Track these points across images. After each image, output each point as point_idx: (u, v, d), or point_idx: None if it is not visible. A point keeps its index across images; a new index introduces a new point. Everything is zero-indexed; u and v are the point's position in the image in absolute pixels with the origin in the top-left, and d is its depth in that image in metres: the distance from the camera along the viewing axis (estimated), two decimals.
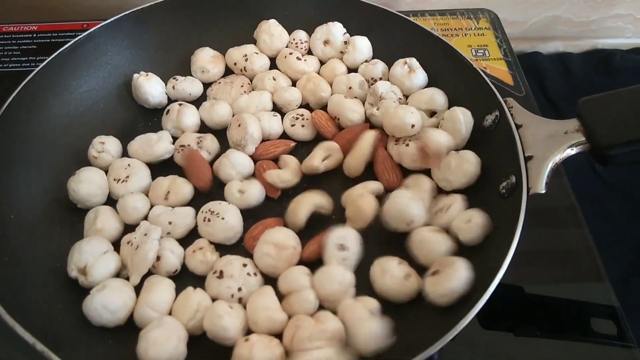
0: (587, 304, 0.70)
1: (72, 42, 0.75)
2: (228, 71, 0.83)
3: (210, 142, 0.73)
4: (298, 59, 0.81)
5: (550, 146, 0.62)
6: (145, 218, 0.67)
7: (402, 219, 0.63)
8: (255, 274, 0.61)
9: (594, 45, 1.14)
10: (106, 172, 0.71)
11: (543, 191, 0.60)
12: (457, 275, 0.56)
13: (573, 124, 0.63)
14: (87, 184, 0.67)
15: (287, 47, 0.84)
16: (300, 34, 0.84)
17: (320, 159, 0.70)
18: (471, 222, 0.61)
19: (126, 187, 0.69)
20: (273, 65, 0.83)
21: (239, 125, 0.71)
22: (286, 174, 0.69)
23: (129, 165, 0.70)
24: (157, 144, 0.71)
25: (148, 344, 0.53)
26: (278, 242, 0.62)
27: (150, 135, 0.73)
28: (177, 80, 0.79)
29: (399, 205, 0.62)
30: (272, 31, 0.82)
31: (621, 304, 0.69)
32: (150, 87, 0.76)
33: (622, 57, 1.10)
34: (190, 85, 0.79)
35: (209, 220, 0.65)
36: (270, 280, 0.62)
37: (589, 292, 0.71)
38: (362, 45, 0.81)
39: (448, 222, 0.64)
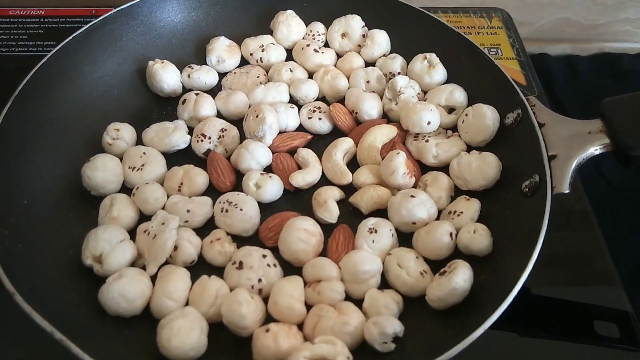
0: (592, 306, 0.70)
1: (86, 26, 0.74)
2: (243, 61, 0.82)
3: (231, 141, 0.71)
4: (315, 51, 0.80)
5: (573, 146, 0.62)
6: (163, 207, 0.65)
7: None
8: (275, 265, 0.60)
9: (601, 49, 1.14)
10: (120, 159, 0.69)
11: (567, 190, 0.60)
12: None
13: (596, 124, 0.63)
14: (102, 171, 0.65)
15: (304, 38, 0.83)
16: (318, 26, 0.83)
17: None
18: (476, 233, 0.61)
19: (141, 175, 0.67)
20: (289, 57, 0.82)
21: (257, 116, 0.70)
22: (310, 175, 0.69)
23: (144, 153, 0.69)
24: (173, 133, 0.70)
25: (172, 333, 0.52)
26: (307, 228, 0.62)
27: (167, 124, 0.72)
28: (192, 69, 0.77)
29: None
30: (289, 22, 0.81)
31: (632, 307, 0.68)
32: (166, 75, 0.75)
33: (629, 61, 1.10)
34: (205, 75, 0.77)
35: (226, 211, 0.64)
36: (289, 272, 0.61)
37: (599, 295, 0.70)
38: (381, 39, 0.80)
39: (456, 227, 0.63)
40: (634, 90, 0.65)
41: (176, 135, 0.70)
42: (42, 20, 0.95)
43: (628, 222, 0.88)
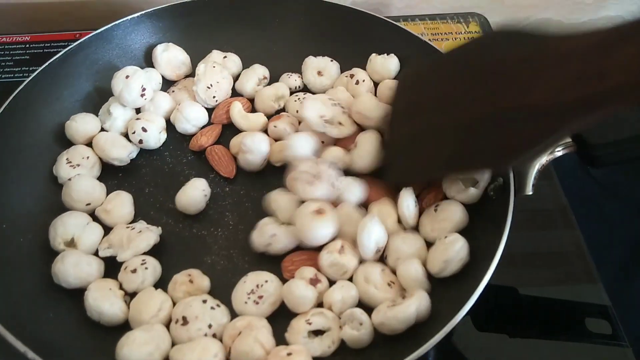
0: (581, 304, 0.70)
1: (63, 51, 0.75)
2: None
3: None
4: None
5: None
6: None
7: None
8: (218, 305, 0.59)
9: None
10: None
11: (530, 192, 0.61)
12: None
13: None
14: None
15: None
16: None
17: None
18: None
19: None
20: None
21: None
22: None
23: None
24: (118, 148, 0.72)
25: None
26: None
27: (123, 140, 0.74)
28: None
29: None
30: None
31: (613, 303, 0.69)
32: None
33: None
34: (164, 100, 0.78)
35: (253, 300, 0.60)
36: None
37: (582, 292, 0.71)
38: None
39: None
40: None
41: (118, 151, 0.72)
42: (27, 46, 0.97)
43: (610, 218, 0.88)
